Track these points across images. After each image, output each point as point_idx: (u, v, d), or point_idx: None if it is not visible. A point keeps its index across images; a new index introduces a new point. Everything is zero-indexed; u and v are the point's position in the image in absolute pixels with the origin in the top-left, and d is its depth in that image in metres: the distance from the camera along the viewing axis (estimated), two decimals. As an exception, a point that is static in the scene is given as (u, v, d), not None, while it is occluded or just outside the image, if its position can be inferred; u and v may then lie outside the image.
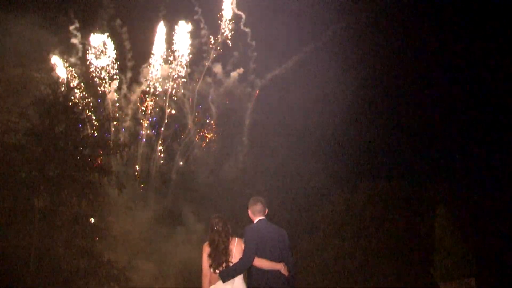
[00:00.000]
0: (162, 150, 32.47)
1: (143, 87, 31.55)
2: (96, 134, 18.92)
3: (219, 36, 31.69)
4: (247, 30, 31.69)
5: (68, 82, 18.94)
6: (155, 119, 32.04)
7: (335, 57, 34.94)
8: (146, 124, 31.58)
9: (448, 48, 33.04)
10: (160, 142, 32.34)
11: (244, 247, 4.81)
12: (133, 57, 31.87)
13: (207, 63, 32.31)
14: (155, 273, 25.85)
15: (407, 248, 23.62)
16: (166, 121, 32.10)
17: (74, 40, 29.29)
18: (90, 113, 18.79)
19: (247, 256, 4.75)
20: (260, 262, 4.79)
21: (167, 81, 31.62)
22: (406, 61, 34.26)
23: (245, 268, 4.81)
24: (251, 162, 34.43)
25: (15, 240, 14.95)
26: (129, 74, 31.76)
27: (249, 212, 5.19)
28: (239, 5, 31.45)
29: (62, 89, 17.89)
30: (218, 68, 32.92)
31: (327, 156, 32.74)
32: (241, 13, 31.34)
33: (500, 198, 23.33)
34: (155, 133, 32.22)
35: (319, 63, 35.40)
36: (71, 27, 29.36)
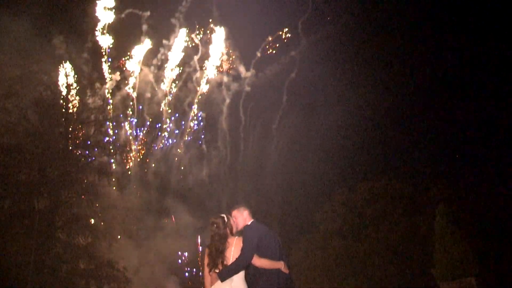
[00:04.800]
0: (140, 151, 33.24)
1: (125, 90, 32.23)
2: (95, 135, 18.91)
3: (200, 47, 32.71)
4: (226, 41, 32.74)
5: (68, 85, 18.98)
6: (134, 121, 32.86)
7: (331, 56, 35.11)
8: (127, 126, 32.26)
9: (449, 46, 33.06)
10: (138, 143, 33.13)
11: (243, 245, 4.77)
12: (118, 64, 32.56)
13: (187, 70, 33.28)
14: (140, 261, 26.56)
15: (407, 248, 23.58)
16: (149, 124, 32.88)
17: (60, 50, 29.32)
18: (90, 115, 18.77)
19: (245, 254, 4.70)
20: (261, 262, 4.76)
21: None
22: (406, 61, 34.28)
23: (243, 266, 4.74)
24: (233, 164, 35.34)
25: (15, 240, 15.00)
26: (112, 78, 32.28)
27: (239, 219, 5.07)
28: (222, 18, 32.54)
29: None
30: (198, 74, 33.81)
31: (327, 156, 32.79)
32: (222, 27, 32.50)
33: (500, 197, 23.26)
34: (135, 135, 32.99)
35: (317, 61, 35.59)
36: (56, 39, 29.41)
